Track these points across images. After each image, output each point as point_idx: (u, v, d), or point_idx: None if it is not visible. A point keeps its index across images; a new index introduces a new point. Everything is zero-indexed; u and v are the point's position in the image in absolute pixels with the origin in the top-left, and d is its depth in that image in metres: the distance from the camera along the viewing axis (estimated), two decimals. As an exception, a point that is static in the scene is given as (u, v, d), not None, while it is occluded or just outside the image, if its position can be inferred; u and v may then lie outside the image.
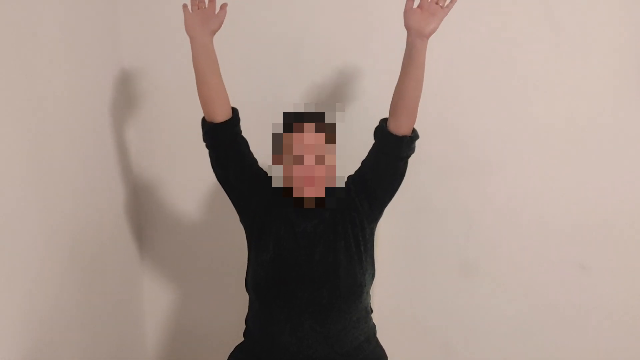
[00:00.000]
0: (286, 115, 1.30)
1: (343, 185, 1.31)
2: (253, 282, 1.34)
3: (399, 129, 1.26)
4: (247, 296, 1.40)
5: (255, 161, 1.37)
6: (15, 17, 1.19)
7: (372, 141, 1.63)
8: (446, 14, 1.19)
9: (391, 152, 1.28)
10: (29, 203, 1.24)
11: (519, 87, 1.60)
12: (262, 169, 1.37)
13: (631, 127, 1.59)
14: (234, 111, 1.33)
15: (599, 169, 1.61)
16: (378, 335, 1.45)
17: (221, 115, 1.29)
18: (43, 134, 1.29)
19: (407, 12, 1.20)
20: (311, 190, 1.26)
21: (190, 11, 1.27)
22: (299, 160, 1.24)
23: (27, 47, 1.23)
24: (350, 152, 1.64)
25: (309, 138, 1.24)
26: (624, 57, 1.55)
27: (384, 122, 1.31)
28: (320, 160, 1.25)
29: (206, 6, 1.27)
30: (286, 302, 1.29)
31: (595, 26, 1.55)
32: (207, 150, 1.70)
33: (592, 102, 1.58)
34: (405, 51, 1.24)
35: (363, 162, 1.36)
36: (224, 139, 1.31)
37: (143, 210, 1.77)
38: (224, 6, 1.27)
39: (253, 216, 1.35)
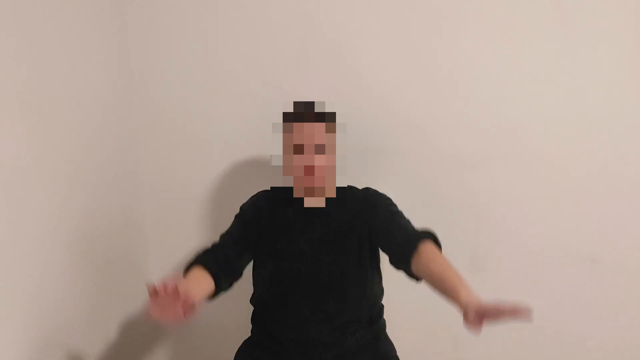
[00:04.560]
0: (286, 114, 1.30)
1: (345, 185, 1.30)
2: (255, 297, 1.36)
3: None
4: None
5: (242, 235, 1.31)
6: (24, 18, 1.22)
7: (379, 138, 1.63)
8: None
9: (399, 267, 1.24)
10: (35, 203, 1.25)
11: (528, 81, 1.58)
12: (247, 217, 1.33)
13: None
14: (217, 284, 1.21)
15: (609, 162, 1.58)
16: (387, 329, 1.44)
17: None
18: (50, 134, 1.31)
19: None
20: (311, 181, 1.25)
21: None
22: (299, 149, 1.24)
23: (34, 48, 1.26)
24: (356, 149, 1.65)
25: (309, 127, 1.23)
26: (632, 52, 1.53)
27: (409, 256, 1.19)
28: (320, 149, 1.24)
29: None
30: (290, 313, 1.28)
31: (605, 21, 1.53)
32: (210, 151, 1.71)
33: (601, 95, 1.56)
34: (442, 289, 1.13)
35: (383, 223, 1.28)
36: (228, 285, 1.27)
37: (148, 208, 1.79)
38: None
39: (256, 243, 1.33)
